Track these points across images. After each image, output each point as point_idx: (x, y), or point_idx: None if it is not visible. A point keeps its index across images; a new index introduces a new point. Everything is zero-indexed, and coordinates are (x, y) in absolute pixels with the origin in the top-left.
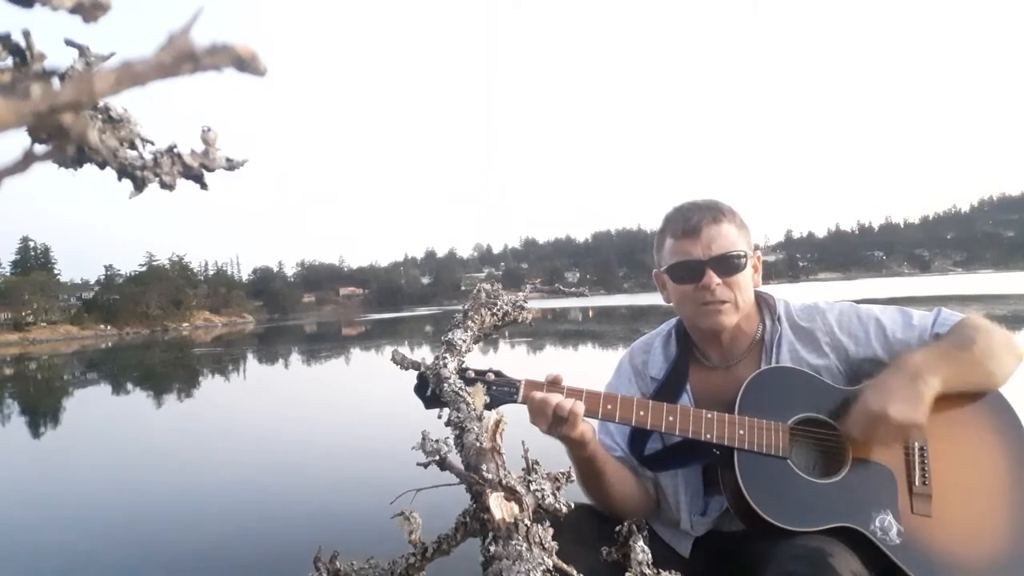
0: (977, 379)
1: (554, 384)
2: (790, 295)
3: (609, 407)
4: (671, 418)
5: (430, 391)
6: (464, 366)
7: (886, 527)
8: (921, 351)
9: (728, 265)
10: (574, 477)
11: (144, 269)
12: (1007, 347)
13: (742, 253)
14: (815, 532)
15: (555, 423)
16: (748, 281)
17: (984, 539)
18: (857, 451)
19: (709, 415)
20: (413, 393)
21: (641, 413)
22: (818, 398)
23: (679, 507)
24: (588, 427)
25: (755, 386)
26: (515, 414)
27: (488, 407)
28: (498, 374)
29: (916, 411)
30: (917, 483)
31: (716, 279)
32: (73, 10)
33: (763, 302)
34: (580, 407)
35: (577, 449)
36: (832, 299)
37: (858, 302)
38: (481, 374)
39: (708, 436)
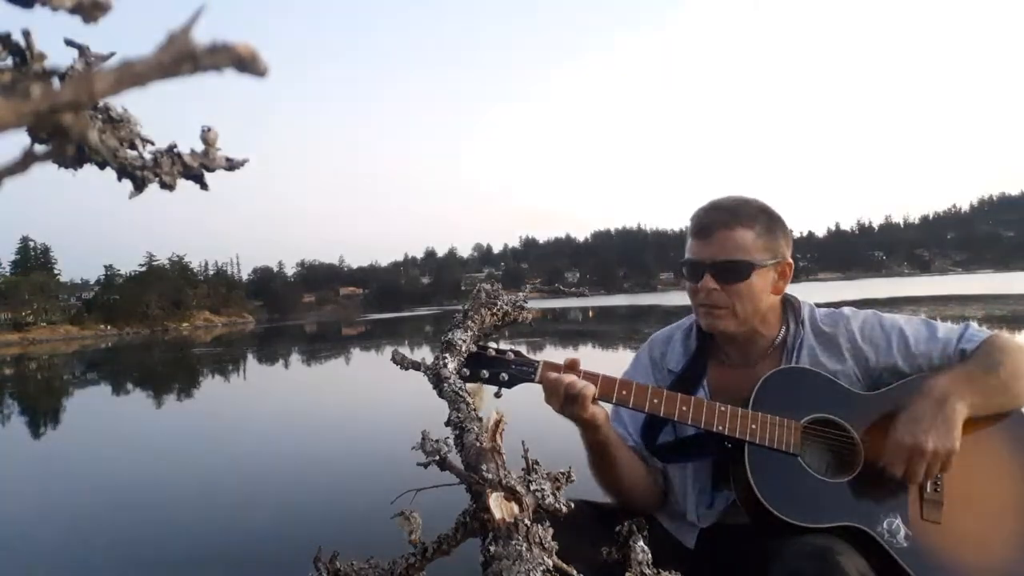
0: (1003, 401)
1: (571, 367)
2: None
3: (624, 392)
4: (685, 408)
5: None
6: (485, 344)
7: (894, 530)
8: (946, 375)
9: (727, 272)
10: (585, 462)
11: (144, 269)
12: None
13: (748, 261)
14: (822, 530)
15: (567, 402)
16: (753, 290)
17: (991, 549)
18: (869, 454)
19: (723, 408)
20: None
21: (655, 401)
22: (833, 400)
23: (686, 499)
24: (601, 411)
25: (770, 384)
26: (515, 414)
27: (508, 385)
28: (517, 354)
29: (950, 439)
30: (928, 489)
31: (712, 284)
32: (73, 10)
33: (788, 305)
34: (590, 389)
35: (589, 432)
36: (837, 300)
37: (858, 303)
38: (502, 353)
39: (720, 428)
